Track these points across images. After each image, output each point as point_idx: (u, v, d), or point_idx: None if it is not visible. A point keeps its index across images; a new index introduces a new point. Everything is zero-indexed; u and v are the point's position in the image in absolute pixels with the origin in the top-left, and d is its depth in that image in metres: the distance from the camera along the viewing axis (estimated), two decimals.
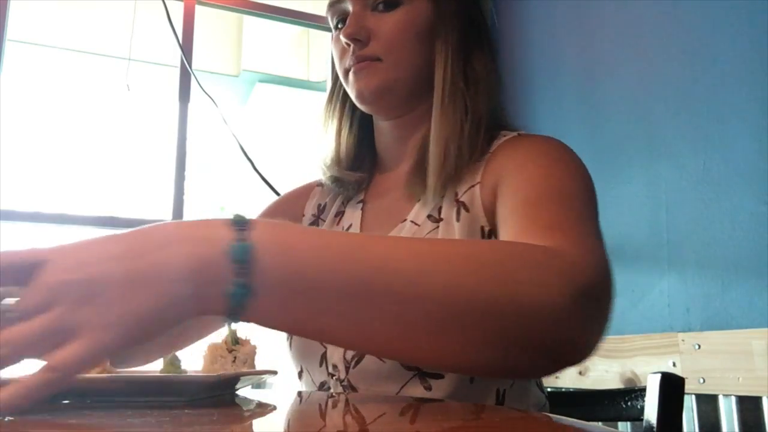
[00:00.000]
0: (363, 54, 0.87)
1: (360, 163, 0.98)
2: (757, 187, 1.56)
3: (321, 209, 1.02)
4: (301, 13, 2.57)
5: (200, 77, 2.28)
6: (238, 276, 0.46)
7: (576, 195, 0.71)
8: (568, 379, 1.93)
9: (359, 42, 0.87)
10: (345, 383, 0.82)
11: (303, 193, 1.06)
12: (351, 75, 0.89)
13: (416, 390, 0.78)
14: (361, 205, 0.96)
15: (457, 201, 0.84)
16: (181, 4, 2.33)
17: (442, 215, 0.85)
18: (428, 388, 0.78)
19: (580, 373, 1.89)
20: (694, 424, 1.56)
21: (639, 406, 1.05)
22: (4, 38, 2.06)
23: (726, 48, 1.67)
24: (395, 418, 0.50)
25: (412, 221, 0.87)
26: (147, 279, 0.46)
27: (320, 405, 0.60)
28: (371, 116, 0.98)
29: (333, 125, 0.99)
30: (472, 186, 0.83)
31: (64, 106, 3.41)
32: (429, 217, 0.86)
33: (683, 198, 1.73)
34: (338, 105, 1.00)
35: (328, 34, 0.97)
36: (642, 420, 0.88)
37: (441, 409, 0.58)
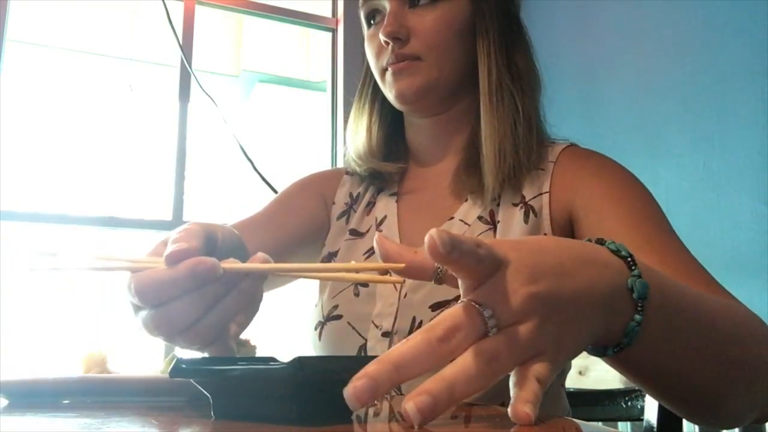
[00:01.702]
0: (403, 53, 0.85)
1: (395, 155, 0.96)
2: (757, 187, 1.56)
3: (354, 199, 0.99)
4: (301, 13, 2.57)
5: (200, 77, 2.28)
6: (638, 312, 0.46)
7: (666, 221, 0.79)
8: (568, 379, 1.93)
9: (399, 41, 0.85)
10: None
11: (333, 177, 1.03)
12: (389, 75, 0.87)
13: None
14: (395, 198, 0.94)
15: (526, 203, 0.84)
16: (181, 4, 2.33)
17: (499, 218, 0.84)
18: None
19: (580, 373, 1.89)
20: (694, 424, 1.56)
21: (639, 406, 1.05)
22: (4, 38, 2.06)
23: (726, 48, 1.67)
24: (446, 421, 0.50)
25: (461, 220, 0.86)
26: (587, 301, 0.43)
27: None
28: (401, 113, 0.96)
29: (363, 120, 0.97)
30: (541, 194, 0.84)
31: (64, 106, 3.41)
32: (480, 218, 0.85)
33: (683, 198, 1.73)
34: (368, 100, 0.97)
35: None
36: (642, 420, 0.88)
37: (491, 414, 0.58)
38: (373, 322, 0.84)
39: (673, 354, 0.50)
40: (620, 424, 1.71)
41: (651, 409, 0.88)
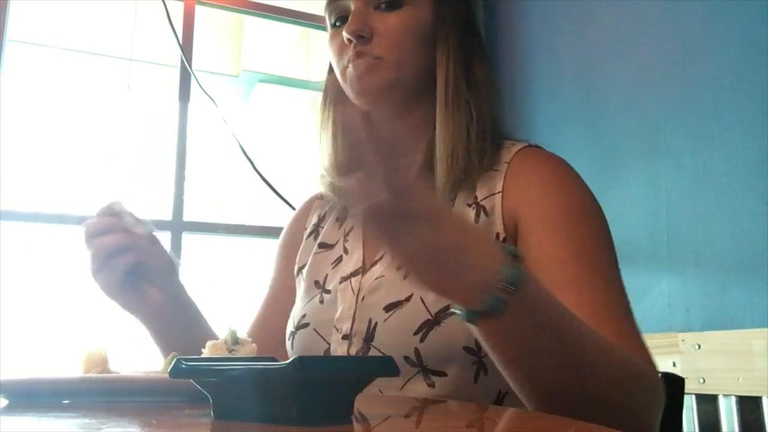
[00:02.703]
0: (364, 50, 0.87)
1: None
2: (757, 187, 1.56)
3: (321, 218, 1.03)
4: (301, 13, 2.57)
5: (200, 77, 2.28)
6: (503, 292, 0.55)
7: (608, 252, 0.80)
8: None
9: (362, 39, 0.87)
10: None
11: (302, 214, 1.08)
12: (351, 71, 0.89)
13: (419, 386, 0.79)
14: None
15: (477, 204, 0.85)
16: (181, 4, 2.33)
17: None
18: (431, 386, 0.78)
19: None
20: (694, 424, 1.56)
21: None
22: (4, 38, 2.06)
23: (726, 48, 1.67)
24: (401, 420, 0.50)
25: None
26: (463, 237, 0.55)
27: None
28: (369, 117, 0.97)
29: (329, 129, 0.98)
30: (493, 194, 0.85)
31: (64, 106, 3.41)
32: None
33: (683, 198, 1.73)
34: (332, 108, 0.99)
35: (328, 34, 0.96)
36: None
37: (443, 410, 0.58)
38: (335, 326, 0.87)
39: (529, 347, 0.59)
40: None
41: None
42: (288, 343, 0.94)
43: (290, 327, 0.94)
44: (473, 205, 0.86)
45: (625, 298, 0.77)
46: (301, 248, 1.03)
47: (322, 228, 1.02)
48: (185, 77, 2.28)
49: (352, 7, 0.89)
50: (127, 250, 0.84)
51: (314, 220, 1.05)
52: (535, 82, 2.35)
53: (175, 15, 2.28)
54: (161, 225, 2.18)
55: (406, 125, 0.94)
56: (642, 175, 1.86)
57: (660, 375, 0.73)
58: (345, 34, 0.88)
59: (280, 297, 1.04)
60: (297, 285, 1.01)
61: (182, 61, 2.28)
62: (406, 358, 0.79)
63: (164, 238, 2.16)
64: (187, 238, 2.18)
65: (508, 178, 0.86)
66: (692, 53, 1.76)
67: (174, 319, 0.92)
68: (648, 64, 1.90)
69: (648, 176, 1.84)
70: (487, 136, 0.88)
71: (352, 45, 0.88)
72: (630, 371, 0.66)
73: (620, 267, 0.80)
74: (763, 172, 1.54)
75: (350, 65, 0.89)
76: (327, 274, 0.94)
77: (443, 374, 0.78)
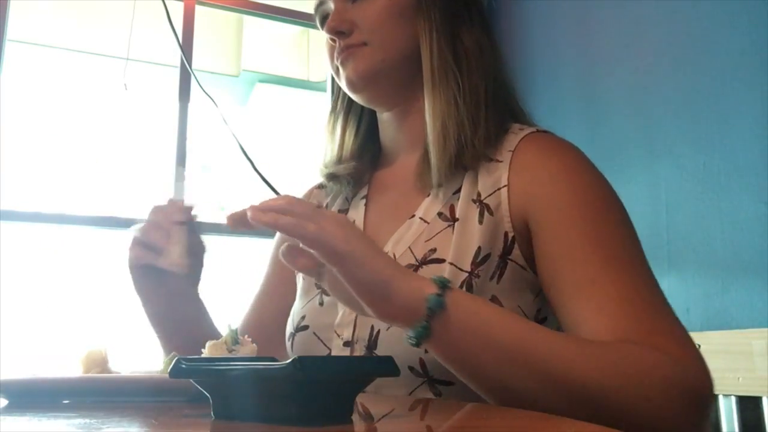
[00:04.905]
0: (348, 43, 0.87)
1: (360, 158, 0.96)
2: (757, 187, 1.56)
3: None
4: (301, 13, 2.57)
5: (200, 77, 2.28)
6: (426, 320, 0.61)
7: (631, 242, 0.75)
8: None
9: (342, 34, 0.87)
10: None
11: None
12: (339, 67, 0.89)
13: (426, 396, 0.76)
14: (364, 201, 0.94)
15: (481, 203, 0.80)
16: (181, 4, 2.33)
17: (458, 215, 0.81)
18: (438, 395, 0.76)
19: None
20: None
21: None
22: (4, 38, 2.06)
23: (726, 48, 1.67)
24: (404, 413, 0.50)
25: (420, 218, 0.84)
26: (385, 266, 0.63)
27: None
28: (374, 114, 0.96)
29: (338, 130, 0.99)
30: (498, 189, 0.80)
31: (65, 106, 3.41)
32: (439, 215, 0.83)
33: (683, 198, 1.73)
34: (342, 111, 0.99)
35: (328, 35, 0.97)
36: None
37: (444, 409, 0.58)
38: (335, 331, 0.84)
39: (470, 362, 0.63)
40: None
41: None
42: (288, 344, 0.91)
43: (290, 328, 0.91)
44: (477, 203, 0.81)
45: (654, 289, 0.72)
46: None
47: None
48: (185, 77, 2.29)
49: (332, 6, 0.90)
50: (161, 255, 0.86)
51: None
52: (535, 81, 2.35)
53: (175, 15, 2.28)
54: None
55: (402, 113, 0.92)
56: (642, 175, 1.86)
57: (706, 375, 0.65)
58: (327, 37, 0.89)
59: (273, 291, 1.02)
60: (297, 281, 0.98)
61: (182, 61, 2.28)
62: (411, 368, 0.75)
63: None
64: None
65: (513, 169, 0.80)
66: (692, 53, 1.76)
67: (179, 318, 0.92)
68: (648, 64, 1.90)
69: (648, 176, 1.84)
70: (481, 106, 0.84)
71: (337, 43, 0.88)
72: (624, 372, 0.61)
73: None
74: (763, 172, 1.54)
75: (338, 62, 0.88)
76: None
77: (450, 383, 0.75)
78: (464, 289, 0.76)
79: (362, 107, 0.97)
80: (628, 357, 0.63)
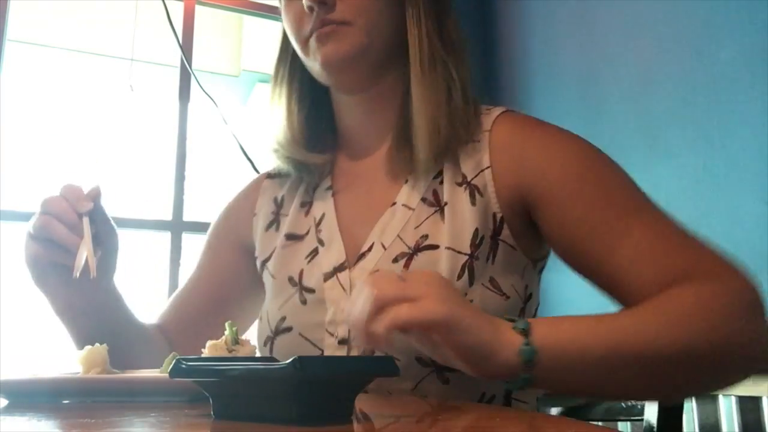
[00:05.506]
0: (329, 18, 0.79)
1: (322, 144, 0.90)
2: (757, 187, 1.56)
3: (279, 204, 0.94)
4: None
5: (200, 77, 2.28)
6: (524, 371, 0.61)
7: (635, 188, 0.79)
8: None
9: (324, 5, 0.78)
10: None
11: (250, 192, 0.98)
12: (313, 41, 0.80)
13: (433, 386, 0.74)
14: (330, 192, 0.88)
15: (470, 184, 0.79)
16: (181, 4, 2.33)
17: (445, 199, 0.80)
18: (446, 382, 0.74)
19: None
20: (694, 424, 1.56)
21: (639, 406, 1.05)
22: (4, 38, 2.06)
23: (726, 47, 1.67)
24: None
25: (403, 205, 0.81)
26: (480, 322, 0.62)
27: None
28: (326, 91, 0.89)
29: (282, 102, 0.90)
30: (482, 170, 0.79)
31: (64, 106, 3.41)
32: (424, 200, 0.81)
33: (683, 198, 1.73)
34: (285, 80, 0.91)
35: (282, 5, 0.88)
36: (642, 420, 0.88)
37: (444, 410, 0.58)
38: (326, 330, 0.80)
39: (580, 383, 0.65)
40: (620, 423, 1.71)
41: (651, 408, 0.88)
42: (264, 349, 0.85)
43: (266, 331, 0.85)
44: (465, 185, 0.79)
45: (672, 223, 0.74)
46: (258, 239, 0.93)
47: (285, 216, 0.91)
48: (185, 77, 2.28)
49: None
50: (67, 252, 0.77)
51: (269, 206, 0.94)
52: (535, 81, 2.35)
53: (175, 15, 2.28)
54: (161, 225, 2.18)
55: (371, 98, 0.86)
56: (642, 175, 1.85)
57: (753, 280, 0.70)
58: (305, 2, 0.79)
59: (201, 285, 0.96)
60: (264, 280, 0.91)
61: (182, 61, 2.28)
62: (418, 359, 0.74)
63: (164, 239, 2.16)
64: (187, 238, 2.18)
65: (494, 149, 0.80)
66: (692, 53, 1.76)
67: (90, 312, 0.85)
68: (648, 64, 1.90)
69: (648, 176, 1.84)
70: (469, 104, 0.82)
71: (313, 13, 0.79)
72: (714, 318, 0.65)
73: None
74: (763, 172, 1.54)
75: (313, 36, 0.80)
76: (302, 270, 0.85)
77: (457, 370, 0.74)
78: (465, 272, 0.76)
79: (310, 78, 0.88)
80: (696, 303, 0.65)
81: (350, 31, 0.80)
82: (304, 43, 0.82)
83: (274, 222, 0.93)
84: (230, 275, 0.96)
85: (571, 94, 2.18)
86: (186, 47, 2.29)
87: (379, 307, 0.58)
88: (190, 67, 2.27)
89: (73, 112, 3.40)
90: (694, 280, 0.67)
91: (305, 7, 0.79)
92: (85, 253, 0.76)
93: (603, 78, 2.07)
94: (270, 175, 0.97)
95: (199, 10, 2.38)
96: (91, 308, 0.84)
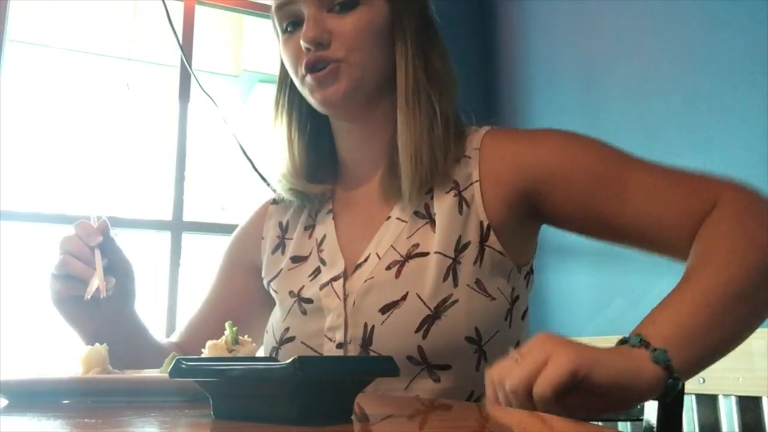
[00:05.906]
0: (325, 56, 0.84)
1: (323, 174, 0.96)
2: (757, 187, 1.56)
3: (284, 228, 1.00)
4: None
5: (200, 77, 2.28)
6: (668, 373, 0.61)
7: (621, 149, 0.84)
8: None
9: (321, 45, 0.85)
10: None
11: (257, 218, 1.05)
12: (311, 80, 0.86)
13: (425, 384, 0.79)
14: (331, 215, 0.95)
15: (459, 193, 0.85)
16: (181, 4, 2.33)
17: (434, 210, 0.85)
18: (437, 380, 0.79)
19: None
20: (694, 424, 1.56)
21: (639, 406, 1.05)
22: (4, 38, 2.06)
23: (726, 47, 1.67)
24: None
25: (398, 218, 0.87)
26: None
27: None
28: (326, 119, 0.95)
29: (283, 130, 0.96)
30: (471, 184, 0.85)
31: (64, 106, 3.41)
32: (416, 213, 0.87)
33: None
34: (285, 109, 0.96)
35: (279, 41, 0.93)
36: (642, 420, 0.88)
37: (444, 410, 0.58)
38: (326, 335, 0.85)
39: (712, 355, 0.67)
40: (620, 424, 1.71)
41: (651, 409, 0.88)
42: (272, 354, 0.91)
43: (271, 342, 0.91)
44: (455, 194, 0.86)
45: (668, 167, 0.83)
46: (265, 260, 1.00)
47: (290, 239, 0.98)
48: (185, 77, 2.28)
49: (305, 12, 0.86)
50: (85, 284, 0.84)
51: (274, 230, 1.01)
52: (535, 81, 2.35)
53: (175, 15, 2.28)
54: (161, 225, 2.18)
55: (366, 125, 0.92)
56: None
57: (744, 184, 0.80)
58: (303, 43, 0.85)
59: (218, 306, 1.02)
60: (272, 292, 0.98)
61: (182, 61, 2.28)
62: (410, 357, 0.78)
63: (164, 239, 2.16)
64: (187, 238, 2.18)
65: (483, 164, 0.86)
66: (692, 53, 1.76)
67: (118, 341, 0.88)
68: (648, 64, 1.90)
69: None
70: (450, 130, 0.87)
71: (309, 52, 0.85)
72: (755, 226, 0.72)
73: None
74: (763, 172, 1.54)
75: (308, 75, 0.86)
76: (303, 285, 0.91)
77: (447, 367, 0.79)
78: (450, 274, 0.81)
79: (309, 106, 0.93)
80: (735, 224, 0.73)
81: (345, 69, 0.85)
82: (302, 79, 0.88)
83: (280, 245, 0.99)
84: (243, 296, 1.02)
85: (571, 94, 2.19)
86: (186, 47, 2.29)
87: (523, 387, 0.57)
88: (190, 67, 2.27)
89: (74, 113, 3.41)
90: (712, 205, 0.76)
91: (303, 48, 0.85)
92: (96, 280, 0.82)
93: (603, 78, 2.07)
94: (275, 201, 1.04)
95: (199, 10, 2.38)
96: (118, 337, 0.88)
